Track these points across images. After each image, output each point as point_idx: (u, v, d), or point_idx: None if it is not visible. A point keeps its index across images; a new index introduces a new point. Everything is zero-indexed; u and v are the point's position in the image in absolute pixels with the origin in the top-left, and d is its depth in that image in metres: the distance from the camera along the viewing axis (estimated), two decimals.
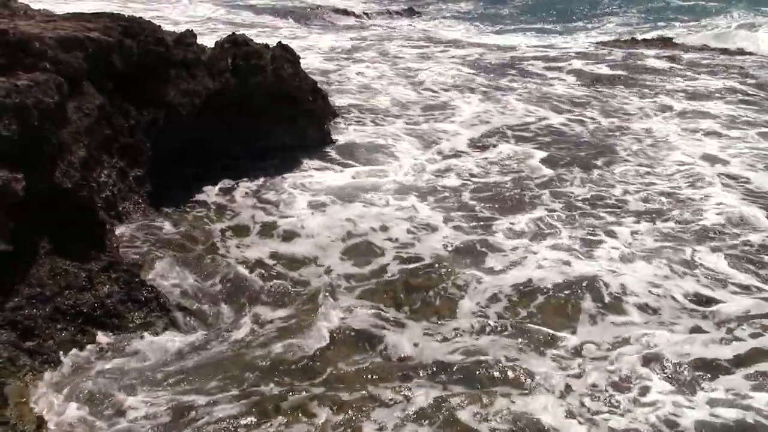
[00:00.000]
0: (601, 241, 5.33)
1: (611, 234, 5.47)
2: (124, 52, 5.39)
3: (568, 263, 4.91)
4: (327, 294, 4.39)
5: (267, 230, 5.43)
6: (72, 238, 3.98)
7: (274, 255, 5.05)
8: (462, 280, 4.63)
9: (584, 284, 4.57)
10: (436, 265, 4.85)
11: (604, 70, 12.21)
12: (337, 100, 9.11)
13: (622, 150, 7.67)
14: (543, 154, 7.50)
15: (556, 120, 8.89)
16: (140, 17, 5.97)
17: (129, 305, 3.99)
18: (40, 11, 8.94)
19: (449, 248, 5.16)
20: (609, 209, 5.99)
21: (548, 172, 6.90)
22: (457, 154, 7.47)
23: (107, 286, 3.97)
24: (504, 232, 5.47)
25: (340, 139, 7.64)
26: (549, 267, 4.83)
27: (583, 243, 5.29)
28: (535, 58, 13.27)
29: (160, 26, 6.06)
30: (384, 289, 4.57)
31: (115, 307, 3.94)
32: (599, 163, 7.20)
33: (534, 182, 6.63)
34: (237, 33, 6.93)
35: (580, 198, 6.24)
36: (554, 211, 5.91)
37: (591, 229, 5.56)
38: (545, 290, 4.53)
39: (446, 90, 10.42)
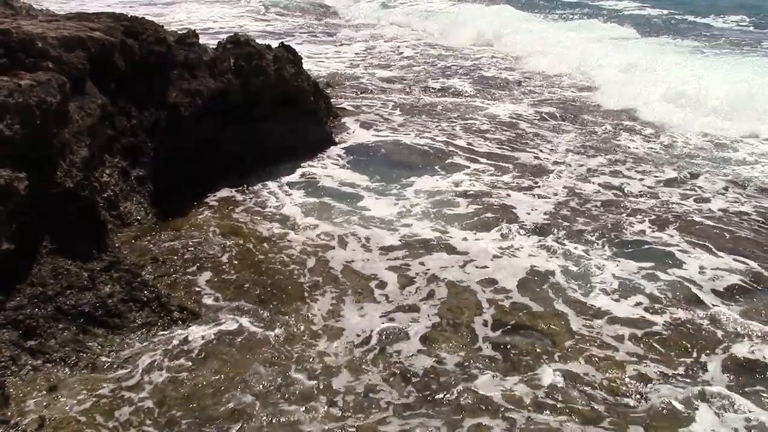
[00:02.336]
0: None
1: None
2: (126, 52, 5.40)
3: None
4: None
5: (265, 235, 5.43)
6: (74, 238, 3.98)
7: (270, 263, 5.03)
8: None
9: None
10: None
11: None
12: (340, 102, 9.13)
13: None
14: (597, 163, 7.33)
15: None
16: (142, 17, 5.98)
17: (130, 305, 3.99)
18: (43, 11, 8.98)
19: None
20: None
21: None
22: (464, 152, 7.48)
23: (109, 286, 3.97)
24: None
25: (342, 140, 7.65)
26: None
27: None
28: None
29: (162, 26, 6.07)
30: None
31: (117, 307, 3.94)
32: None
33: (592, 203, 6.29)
34: (239, 34, 6.94)
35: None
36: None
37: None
38: None
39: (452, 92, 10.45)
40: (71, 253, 3.93)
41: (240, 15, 18.43)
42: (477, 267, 4.95)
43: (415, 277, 4.78)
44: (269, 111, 6.76)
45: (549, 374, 3.74)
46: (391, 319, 4.26)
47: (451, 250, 5.21)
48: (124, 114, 5.42)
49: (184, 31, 6.47)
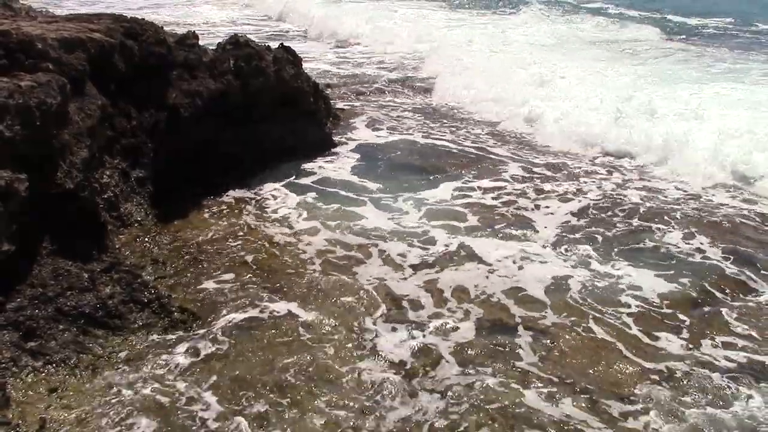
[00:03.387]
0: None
1: None
2: (126, 53, 5.40)
3: None
4: None
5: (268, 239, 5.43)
6: (74, 239, 3.98)
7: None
8: None
9: None
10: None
11: None
12: (339, 104, 9.14)
13: None
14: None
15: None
16: (142, 18, 5.97)
17: (131, 306, 3.99)
18: (42, 12, 8.97)
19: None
20: None
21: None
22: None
23: (109, 287, 3.97)
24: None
25: (341, 141, 7.65)
26: None
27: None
28: None
29: (162, 27, 6.06)
30: None
31: (117, 308, 3.94)
32: None
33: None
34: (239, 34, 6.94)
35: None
36: None
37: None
38: None
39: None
40: (71, 254, 3.93)
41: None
42: (500, 276, 4.82)
43: (444, 292, 4.61)
44: (269, 112, 6.77)
45: (609, 402, 3.54)
46: (426, 337, 4.09)
47: (479, 260, 5.04)
48: (124, 115, 5.42)
49: (184, 32, 6.47)
